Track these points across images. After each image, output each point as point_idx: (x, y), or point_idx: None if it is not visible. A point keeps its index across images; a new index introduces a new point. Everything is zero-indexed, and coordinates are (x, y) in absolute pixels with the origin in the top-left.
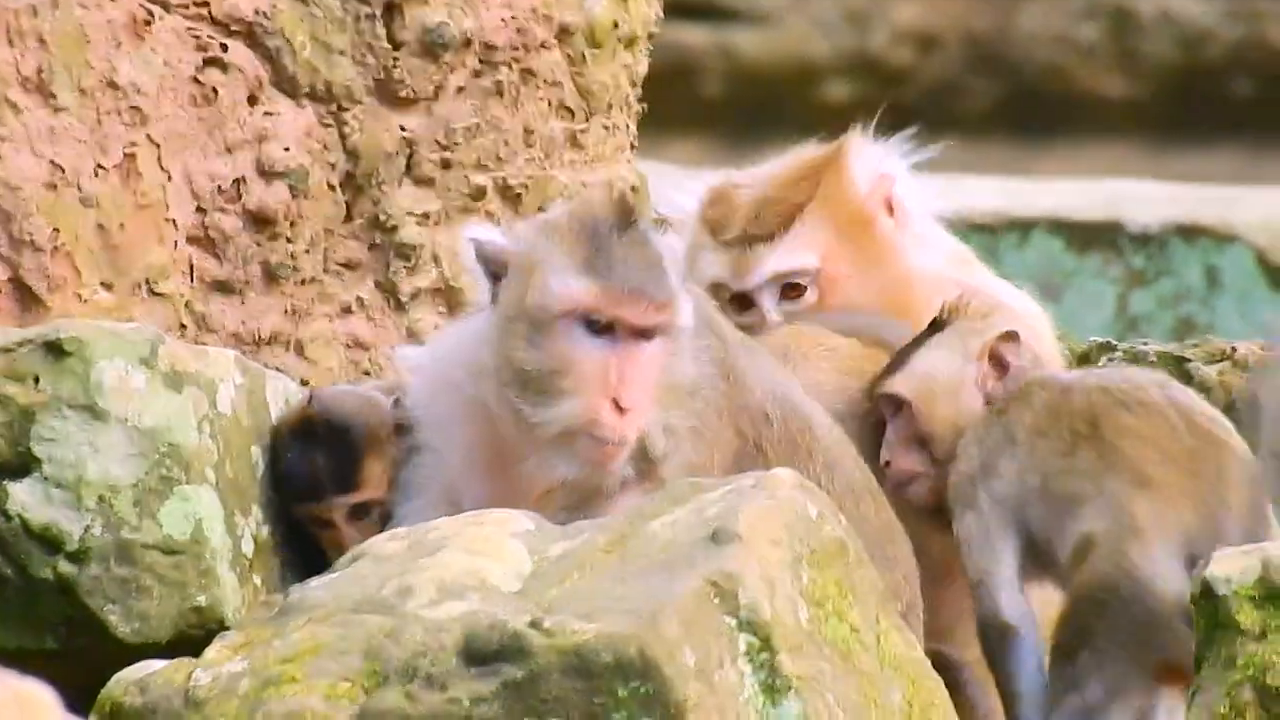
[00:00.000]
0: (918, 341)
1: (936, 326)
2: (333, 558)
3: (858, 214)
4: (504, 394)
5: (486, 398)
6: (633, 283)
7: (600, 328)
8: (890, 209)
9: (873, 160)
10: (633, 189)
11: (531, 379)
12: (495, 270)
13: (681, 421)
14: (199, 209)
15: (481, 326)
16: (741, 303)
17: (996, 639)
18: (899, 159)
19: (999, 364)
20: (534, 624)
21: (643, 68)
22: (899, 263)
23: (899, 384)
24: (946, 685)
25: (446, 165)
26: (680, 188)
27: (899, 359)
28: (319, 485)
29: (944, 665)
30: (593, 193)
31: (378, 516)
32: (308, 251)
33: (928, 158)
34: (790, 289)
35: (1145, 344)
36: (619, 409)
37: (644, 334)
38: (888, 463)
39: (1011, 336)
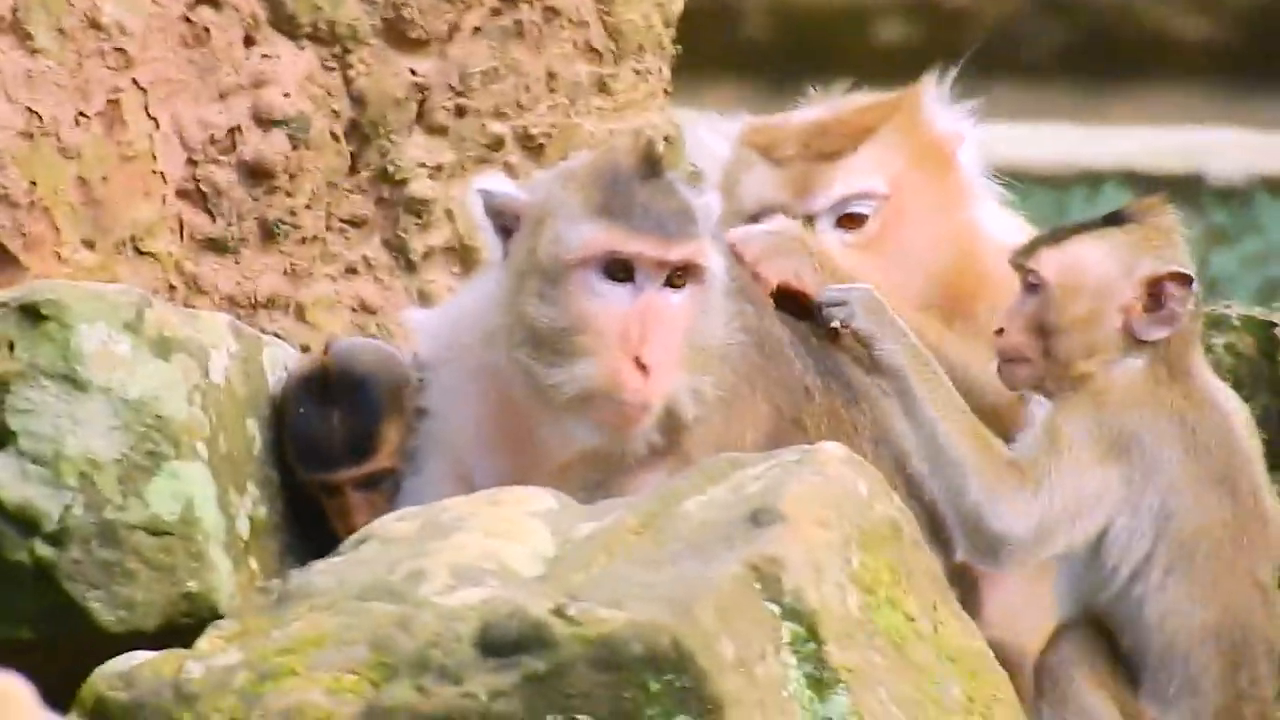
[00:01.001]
0: (1086, 224)
1: (1114, 219)
2: (339, 532)
3: (934, 148)
4: (516, 356)
5: (498, 362)
6: (655, 216)
7: (620, 274)
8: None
9: (949, 108)
10: (665, 139)
11: (545, 337)
12: (506, 224)
13: (710, 389)
14: (190, 160)
15: (491, 286)
16: None
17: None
18: (970, 121)
19: (1156, 300)
20: (557, 612)
21: (678, 5)
22: (969, 214)
23: (1045, 261)
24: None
25: (461, 113)
26: (713, 128)
27: (1057, 233)
28: (331, 449)
29: (1003, 658)
30: (617, 141)
31: (391, 486)
32: (309, 207)
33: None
34: (848, 219)
35: (1228, 307)
36: (642, 368)
37: (669, 283)
38: (1000, 330)
39: (1184, 280)
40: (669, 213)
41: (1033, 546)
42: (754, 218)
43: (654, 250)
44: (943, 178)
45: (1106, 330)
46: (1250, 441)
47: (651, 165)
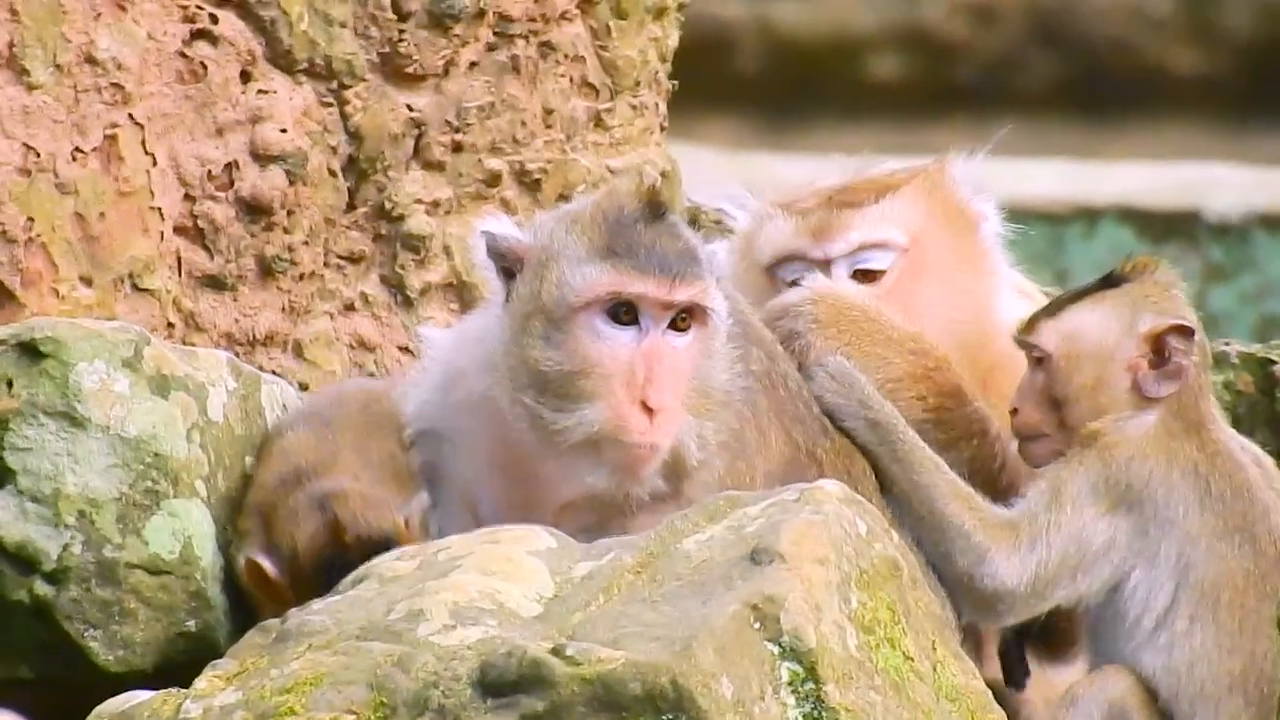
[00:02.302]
0: (1083, 291)
1: (1110, 281)
2: None
3: (956, 210)
4: (520, 399)
5: (499, 399)
6: (658, 259)
7: (624, 317)
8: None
9: (974, 184)
10: (663, 175)
11: (550, 381)
12: (509, 267)
13: (713, 434)
14: (187, 197)
15: (494, 324)
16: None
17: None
18: (992, 204)
19: (1161, 354)
20: (556, 651)
21: (673, 41)
22: (987, 280)
23: (1044, 334)
24: None
25: (458, 148)
26: (722, 172)
27: (1055, 304)
28: None
29: (1001, 699)
30: (619, 182)
31: None
32: (306, 243)
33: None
34: (864, 274)
35: (1227, 344)
36: (648, 410)
37: (674, 326)
38: (1015, 410)
39: (1186, 331)
40: (673, 254)
41: (1029, 599)
42: (771, 268)
43: (658, 291)
44: (963, 240)
45: (1115, 392)
46: (1269, 492)
47: (655, 207)
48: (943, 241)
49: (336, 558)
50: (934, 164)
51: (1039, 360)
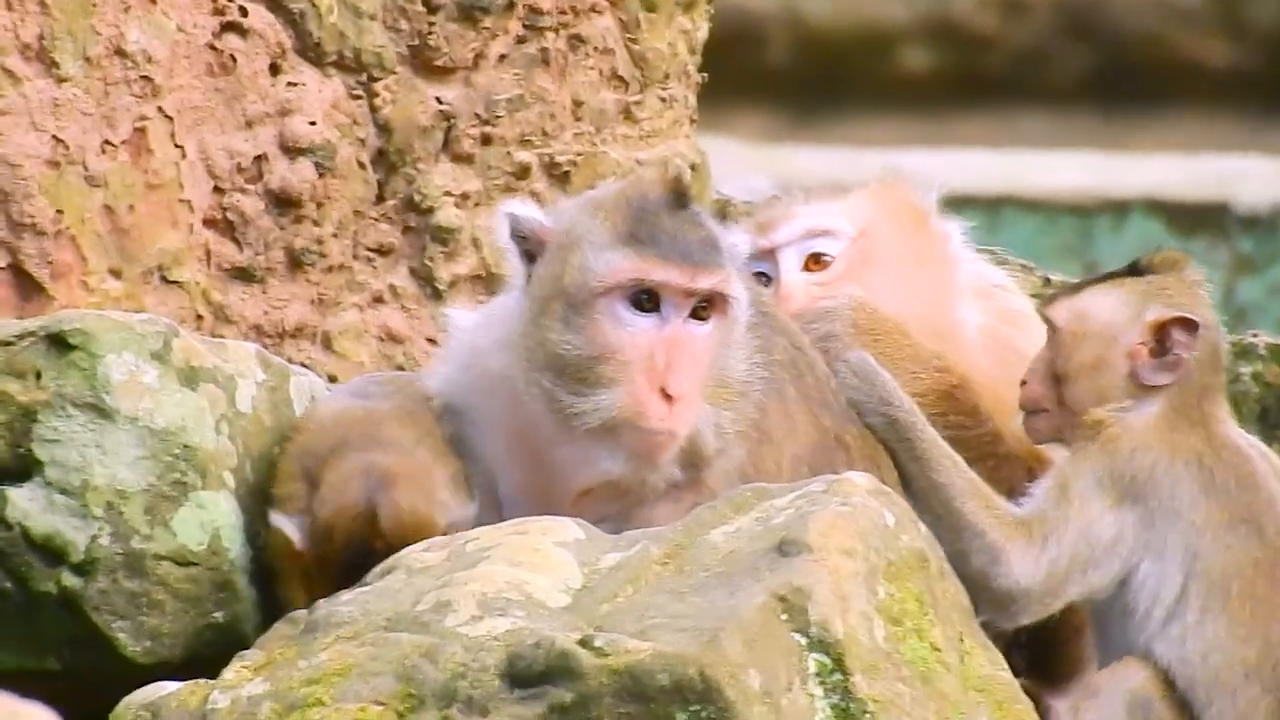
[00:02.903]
0: (1107, 275)
1: (1134, 270)
2: None
3: (908, 206)
4: (537, 381)
5: (516, 380)
6: (680, 246)
7: (646, 304)
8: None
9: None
10: (692, 168)
11: (569, 365)
12: (531, 249)
13: (731, 424)
14: (216, 189)
15: (512, 304)
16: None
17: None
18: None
19: (1162, 345)
20: (584, 642)
21: (703, 34)
22: (941, 272)
23: (1059, 309)
24: None
25: (487, 141)
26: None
27: (1079, 284)
28: None
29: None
30: (645, 171)
31: None
32: (335, 235)
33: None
34: (814, 260)
35: (1254, 336)
36: (667, 397)
37: (695, 314)
38: (1024, 382)
39: (1190, 325)
40: (696, 242)
41: (1044, 597)
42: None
43: (680, 279)
44: (916, 236)
45: (1114, 376)
46: (1276, 483)
47: (679, 196)
48: (894, 235)
49: (367, 544)
50: (887, 173)
51: (1054, 333)
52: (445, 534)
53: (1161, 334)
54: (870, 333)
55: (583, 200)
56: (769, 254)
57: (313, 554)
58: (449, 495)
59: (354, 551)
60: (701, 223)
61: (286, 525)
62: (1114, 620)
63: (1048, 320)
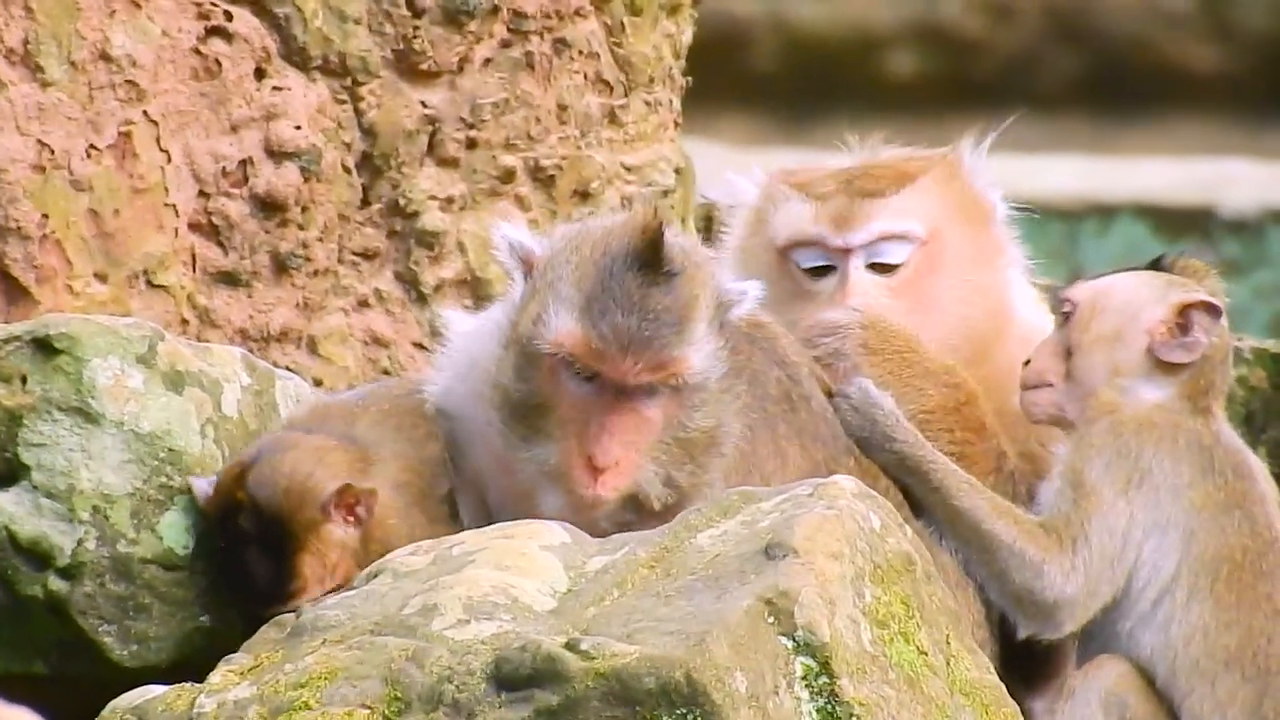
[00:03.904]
0: (1130, 266)
1: (1156, 265)
2: None
3: (972, 203)
4: (494, 416)
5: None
6: (626, 338)
7: (589, 375)
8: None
9: (987, 172)
10: (677, 172)
11: (516, 409)
12: (526, 269)
13: (692, 478)
14: (201, 193)
15: (500, 321)
16: (816, 272)
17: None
18: (999, 194)
19: (1184, 326)
20: (570, 646)
21: (688, 37)
22: (1001, 273)
23: (1079, 288)
24: None
25: (472, 145)
26: (737, 169)
27: (1100, 273)
28: (255, 586)
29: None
30: (629, 220)
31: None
32: (321, 239)
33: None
34: (880, 267)
35: (1240, 340)
36: (596, 465)
37: (641, 389)
38: (1028, 361)
39: (1215, 311)
40: (651, 327)
41: (1087, 602)
42: (786, 249)
43: (614, 372)
44: (979, 233)
45: (1131, 350)
46: (1268, 486)
47: (651, 258)
48: (960, 235)
49: (229, 505)
50: (950, 152)
51: (1066, 315)
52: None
53: (1184, 316)
54: (879, 352)
55: (572, 234)
56: (841, 252)
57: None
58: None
59: (223, 502)
60: (670, 288)
61: (196, 484)
62: (1100, 612)
63: (1066, 299)
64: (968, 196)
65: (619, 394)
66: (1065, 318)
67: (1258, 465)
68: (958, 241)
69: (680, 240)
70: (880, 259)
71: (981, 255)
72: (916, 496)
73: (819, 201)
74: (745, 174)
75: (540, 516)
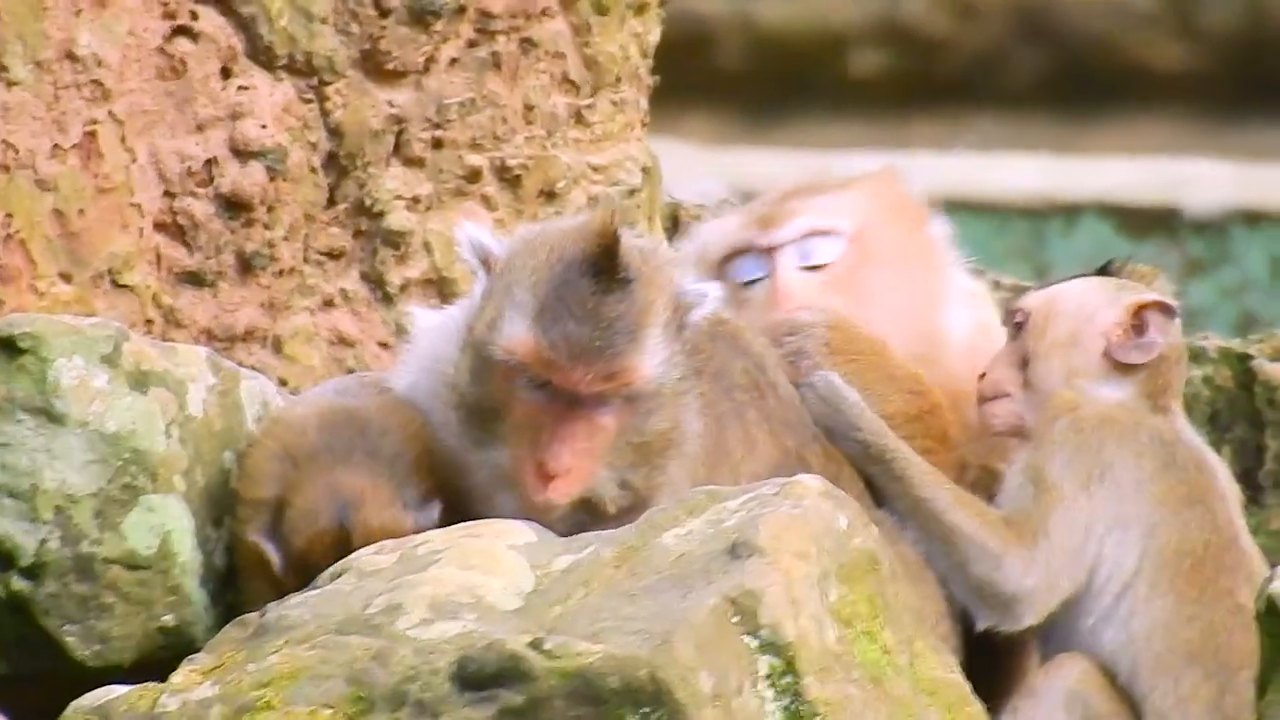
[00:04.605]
0: (1080, 275)
1: (1104, 271)
2: None
3: (905, 207)
4: (449, 417)
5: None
6: (578, 347)
7: (541, 382)
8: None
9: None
10: (644, 171)
11: (472, 411)
12: (487, 270)
13: (648, 480)
14: (167, 193)
15: (459, 318)
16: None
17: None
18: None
19: (1139, 327)
20: (535, 645)
21: (654, 36)
22: (935, 274)
23: (1031, 298)
24: None
25: (438, 145)
26: (703, 167)
27: (1048, 283)
28: None
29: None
30: (586, 224)
31: None
32: (286, 239)
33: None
34: (811, 269)
35: (1205, 339)
36: (547, 473)
37: (594, 396)
38: (983, 375)
39: (1169, 311)
40: (602, 336)
41: (1046, 596)
42: (721, 264)
43: (565, 381)
44: (911, 234)
45: (1088, 354)
46: (1228, 484)
47: (606, 264)
48: (891, 234)
49: (341, 558)
50: (885, 168)
51: (1019, 325)
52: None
53: (1139, 317)
54: (843, 352)
55: (530, 236)
56: (768, 251)
57: (289, 572)
58: (416, 503)
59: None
60: (623, 298)
61: (267, 547)
62: (1062, 609)
63: (1019, 309)
64: (900, 202)
65: (571, 401)
66: (1019, 327)
67: (1219, 463)
68: (889, 240)
69: (639, 243)
70: (810, 259)
71: (913, 256)
72: (879, 486)
73: (747, 212)
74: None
75: (496, 516)
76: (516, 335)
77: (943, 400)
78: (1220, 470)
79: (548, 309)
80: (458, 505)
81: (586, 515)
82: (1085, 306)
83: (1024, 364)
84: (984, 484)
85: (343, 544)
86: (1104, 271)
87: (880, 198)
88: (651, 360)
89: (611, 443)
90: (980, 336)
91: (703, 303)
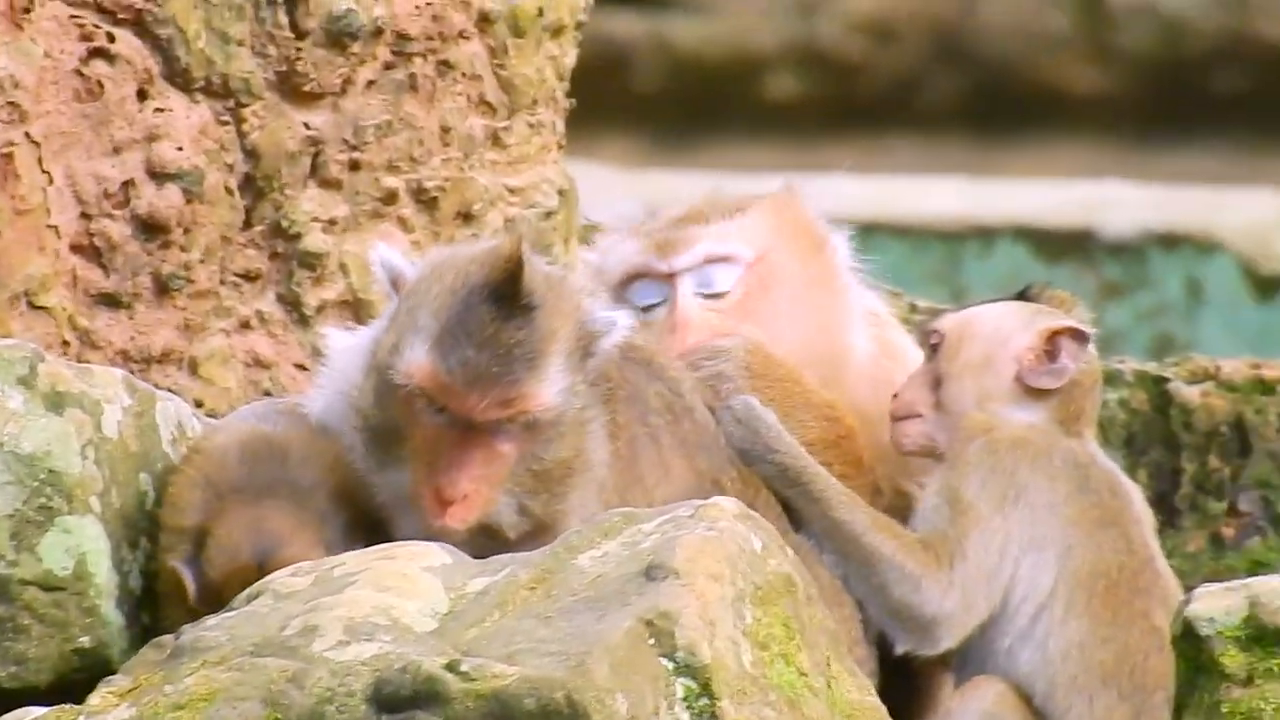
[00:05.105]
0: (998, 298)
1: (1021, 296)
2: None
3: (804, 229)
4: (352, 440)
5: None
6: (474, 375)
7: (440, 408)
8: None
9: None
10: (560, 193)
11: (374, 434)
12: (398, 292)
13: (548, 507)
14: (84, 215)
15: (368, 341)
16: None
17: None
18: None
19: (1051, 352)
20: (451, 667)
21: (571, 59)
22: (837, 297)
23: (946, 319)
24: None
25: (355, 166)
26: (620, 190)
27: (965, 306)
28: None
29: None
30: (493, 250)
31: None
32: (203, 261)
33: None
34: (710, 296)
35: (1121, 362)
36: (444, 498)
37: (492, 424)
38: (896, 395)
39: (1082, 337)
40: (500, 364)
41: (964, 618)
42: (620, 288)
43: (461, 409)
44: (812, 258)
45: (1000, 377)
46: (1142, 508)
47: (508, 294)
48: (790, 258)
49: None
50: (785, 186)
51: (934, 346)
52: None
53: (1052, 342)
54: (762, 377)
55: (437, 260)
56: (667, 277)
57: (201, 601)
58: (339, 542)
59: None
60: (523, 326)
61: (185, 574)
62: (978, 631)
63: (933, 330)
64: (800, 224)
65: (469, 427)
66: (933, 349)
67: (1132, 487)
68: (788, 265)
69: (548, 270)
70: (709, 287)
71: (815, 280)
72: (797, 509)
73: (645, 235)
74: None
75: (401, 537)
76: (415, 360)
77: (856, 426)
78: (1134, 494)
79: (447, 335)
80: (377, 527)
81: (487, 541)
82: (1000, 330)
83: (937, 385)
84: (897, 507)
85: (260, 577)
86: (1022, 296)
87: (779, 220)
88: (551, 389)
89: (511, 469)
90: (883, 357)
91: (611, 331)
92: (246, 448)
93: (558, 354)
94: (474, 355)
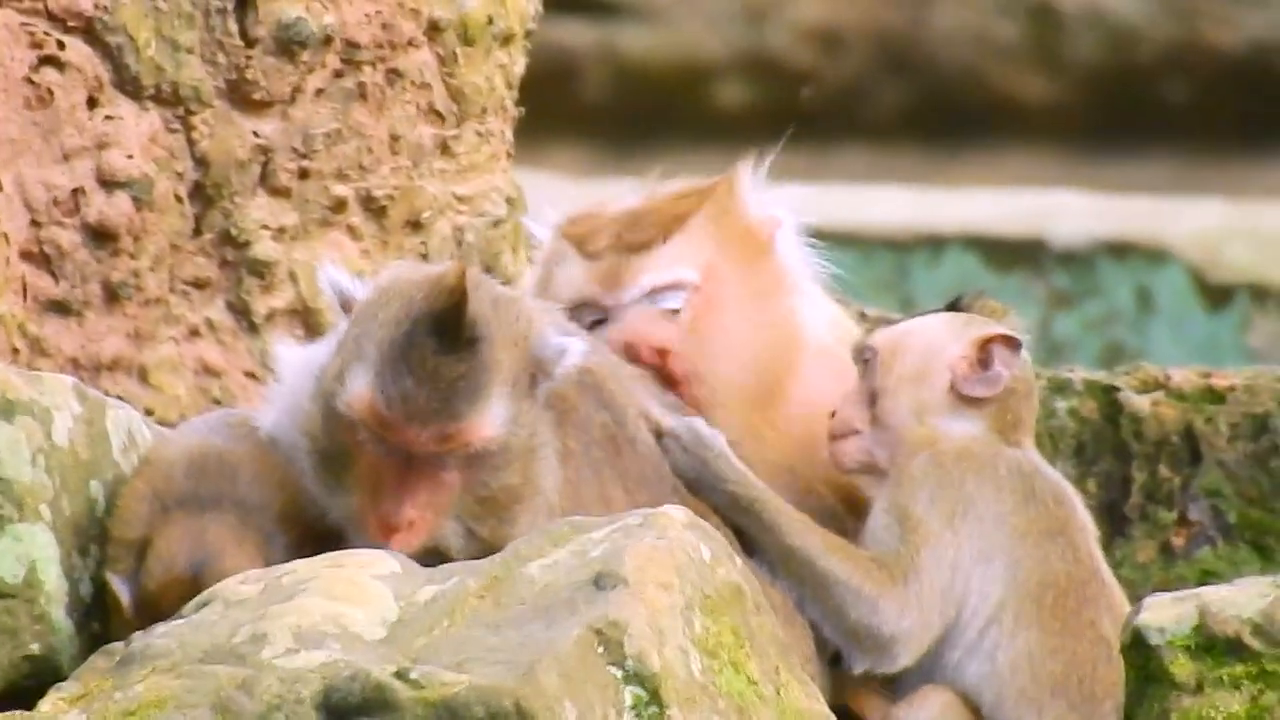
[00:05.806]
0: (926, 311)
1: (952, 307)
2: None
3: (747, 235)
4: (303, 461)
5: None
6: (414, 409)
7: (382, 439)
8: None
9: (766, 193)
10: (509, 202)
11: (323, 458)
12: (347, 313)
13: (495, 531)
14: (33, 222)
15: (317, 360)
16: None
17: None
18: (790, 209)
19: (984, 360)
20: (400, 675)
21: (520, 68)
22: (785, 301)
23: (878, 335)
24: None
25: (304, 175)
26: (569, 199)
27: (915, 315)
28: None
29: None
30: (438, 278)
31: None
32: (152, 269)
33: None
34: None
35: (1071, 371)
36: (389, 525)
37: (434, 455)
38: (833, 413)
39: (1014, 344)
40: (442, 396)
41: (922, 635)
42: (566, 309)
43: (401, 441)
44: (757, 265)
45: (934, 389)
46: (1086, 517)
47: (452, 326)
48: (737, 271)
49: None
50: (722, 182)
51: (867, 362)
52: None
53: (984, 350)
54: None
55: (384, 284)
56: (616, 310)
57: (135, 613)
58: (283, 559)
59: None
60: (466, 358)
61: (120, 588)
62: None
63: (867, 347)
64: (742, 229)
65: (414, 457)
66: (867, 365)
67: (1076, 495)
68: (735, 278)
69: (496, 294)
70: (656, 308)
71: (763, 288)
72: (750, 536)
73: (591, 261)
74: (540, 222)
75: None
76: (356, 391)
77: (808, 444)
78: (1078, 502)
79: (389, 367)
80: (326, 542)
81: (437, 560)
82: (932, 341)
83: (873, 401)
84: (846, 527)
85: (195, 594)
86: (954, 307)
87: (719, 229)
88: (493, 421)
89: (457, 497)
90: (836, 358)
91: (561, 359)
92: (194, 461)
93: (502, 385)
94: (414, 389)
